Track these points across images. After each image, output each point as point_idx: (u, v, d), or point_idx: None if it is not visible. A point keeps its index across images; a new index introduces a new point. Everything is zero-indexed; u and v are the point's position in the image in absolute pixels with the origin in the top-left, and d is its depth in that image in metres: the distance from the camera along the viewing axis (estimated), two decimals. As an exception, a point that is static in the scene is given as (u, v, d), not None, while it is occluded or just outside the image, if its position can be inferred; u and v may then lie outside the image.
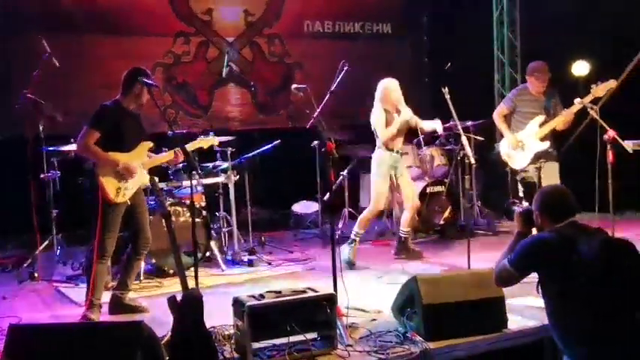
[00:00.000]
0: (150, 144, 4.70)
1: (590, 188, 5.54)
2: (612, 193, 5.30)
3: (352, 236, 5.97)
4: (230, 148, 6.15)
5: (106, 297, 4.64)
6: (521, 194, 6.08)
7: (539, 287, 3.13)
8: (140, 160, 4.60)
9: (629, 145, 5.66)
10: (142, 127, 4.69)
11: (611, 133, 5.29)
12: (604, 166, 5.34)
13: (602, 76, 5.95)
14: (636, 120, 6.26)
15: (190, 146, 4.97)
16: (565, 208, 3.12)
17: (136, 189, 4.58)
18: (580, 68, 7.37)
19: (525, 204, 3.46)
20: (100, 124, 4.41)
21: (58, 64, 5.98)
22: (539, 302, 4.36)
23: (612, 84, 5.67)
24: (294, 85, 4.93)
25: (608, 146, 5.22)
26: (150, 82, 4.40)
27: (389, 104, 5.90)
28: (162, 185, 5.76)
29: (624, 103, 6.19)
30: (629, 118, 6.22)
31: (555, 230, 3.07)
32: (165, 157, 4.80)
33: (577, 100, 5.76)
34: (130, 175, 4.48)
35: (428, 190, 7.18)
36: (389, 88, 5.94)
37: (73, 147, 5.71)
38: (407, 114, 5.88)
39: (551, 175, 6.08)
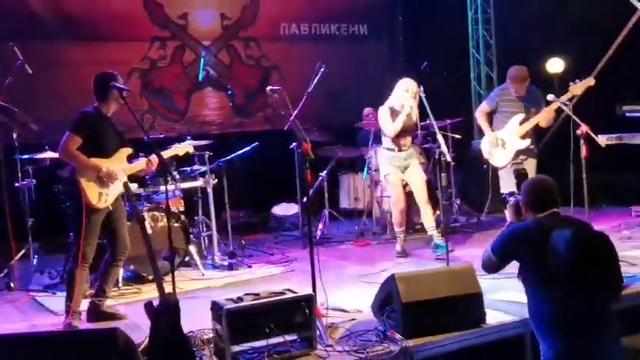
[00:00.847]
0: (129, 150, 4.69)
1: (565, 182, 5.60)
2: (587, 187, 5.35)
3: (397, 235, 6.21)
4: (208, 152, 6.12)
5: (84, 305, 4.59)
6: (514, 187, 6.14)
7: (519, 275, 3.22)
8: (121, 165, 4.59)
9: (603, 139, 5.77)
10: (120, 132, 4.67)
11: (584, 127, 5.36)
12: (578, 161, 5.40)
13: (575, 72, 6.04)
14: (609, 115, 6.34)
15: (165, 154, 4.94)
16: (546, 199, 3.21)
17: (117, 194, 4.56)
18: (554, 65, 7.48)
19: (518, 197, 3.61)
20: (82, 130, 4.40)
21: (30, 71, 5.91)
22: (518, 297, 4.43)
23: (590, 82, 5.77)
24: (268, 87, 4.91)
25: (582, 141, 5.28)
26: (121, 86, 4.38)
27: (396, 103, 5.98)
28: (140, 191, 5.73)
29: (597, 98, 6.26)
30: (602, 112, 6.31)
31: (535, 220, 3.17)
32: (141, 164, 4.77)
33: (550, 97, 5.85)
34: (112, 180, 4.47)
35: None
36: (397, 85, 6.05)
37: (47, 155, 5.66)
38: (409, 105, 5.88)
39: (530, 172, 6.21)
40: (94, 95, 4.56)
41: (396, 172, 6.10)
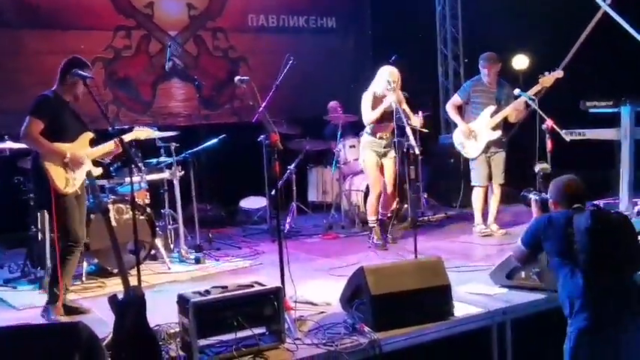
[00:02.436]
0: (91, 134, 4.60)
1: (530, 177, 5.68)
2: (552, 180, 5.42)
3: (370, 225, 6.26)
4: (174, 144, 6.02)
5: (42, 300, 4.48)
6: (486, 180, 6.41)
7: (548, 262, 3.46)
8: (85, 150, 4.51)
9: (567, 135, 5.87)
10: (80, 118, 4.57)
11: (549, 122, 5.44)
12: (544, 155, 5.47)
13: (540, 69, 6.15)
14: (574, 110, 6.45)
15: (126, 137, 4.85)
16: (574, 197, 3.40)
17: (83, 179, 4.47)
18: (520, 62, 7.58)
19: (542, 194, 3.82)
20: (42, 113, 4.29)
21: None
22: (485, 289, 4.49)
23: (559, 74, 5.93)
24: (237, 77, 4.84)
25: (547, 135, 5.36)
26: (84, 73, 4.26)
27: (379, 88, 5.99)
28: (104, 182, 5.61)
29: (562, 93, 6.37)
30: (567, 108, 6.41)
31: (558, 210, 3.42)
32: (107, 147, 4.66)
33: (516, 91, 5.99)
34: (78, 165, 4.40)
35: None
36: (380, 72, 6.05)
37: (7, 145, 5.49)
38: (389, 101, 5.86)
39: (498, 164, 6.36)
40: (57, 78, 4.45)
41: (375, 157, 6.15)
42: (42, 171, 4.29)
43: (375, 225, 6.23)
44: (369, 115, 6.03)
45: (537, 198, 3.87)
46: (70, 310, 4.45)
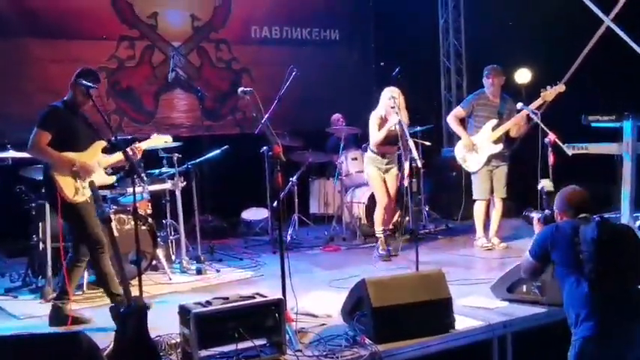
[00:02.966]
0: (103, 143, 4.63)
1: (533, 190, 5.68)
2: (555, 195, 5.42)
3: (377, 235, 6.34)
4: (176, 154, 6.03)
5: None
6: (487, 193, 6.45)
7: (554, 272, 3.50)
8: (96, 158, 4.54)
9: (569, 149, 5.88)
10: (93, 126, 4.61)
11: (551, 136, 5.45)
12: (546, 169, 5.47)
13: (542, 83, 6.17)
14: (576, 124, 6.46)
15: (145, 144, 4.93)
16: (582, 208, 3.43)
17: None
18: (522, 76, 7.60)
19: (545, 211, 3.88)
20: (49, 125, 4.33)
21: None
22: (486, 303, 4.48)
23: (561, 88, 5.96)
24: (240, 89, 4.86)
25: (550, 149, 5.36)
26: (88, 83, 4.28)
27: (383, 110, 6.10)
28: (106, 192, 5.62)
29: (564, 107, 6.38)
30: (569, 122, 6.42)
31: (564, 220, 3.44)
32: (118, 156, 4.67)
33: (519, 105, 6.00)
34: (88, 173, 4.44)
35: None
36: (383, 93, 6.14)
37: (10, 154, 5.50)
38: (393, 122, 5.89)
39: (500, 178, 6.36)
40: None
41: (378, 172, 6.27)
42: (51, 181, 4.32)
43: (382, 236, 6.28)
44: (375, 136, 6.14)
45: (540, 216, 3.91)
46: (71, 319, 4.43)
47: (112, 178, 4.87)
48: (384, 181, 6.28)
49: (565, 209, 3.48)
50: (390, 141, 6.08)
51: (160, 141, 5.23)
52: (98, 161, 4.56)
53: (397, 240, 6.63)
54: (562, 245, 3.30)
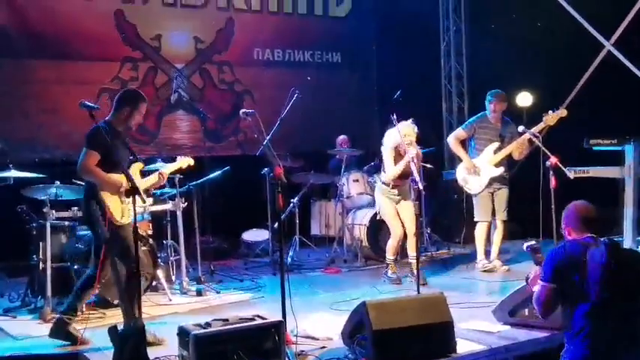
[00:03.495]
0: (141, 165, 4.68)
1: (534, 213, 5.68)
2: (555, 218, 5.41)
3: (387, 262, 6.24)
4: (178, 175, 6.03)
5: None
6: (489, 215, 6.44)
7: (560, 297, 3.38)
8: (137, 179, 4.52)
9: (571, 172, 5.88)
10: (131, 148, 4.62)
11: (553, 159, 5.45)
12: (547, 192, 5.46)
13: (543, 106, 6.19)
14: (578, 147, 6.47)
15: (172, 167, 5.03)
16: (588, 222, 3.39)
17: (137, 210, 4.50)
18: (524, 99, 7.64)
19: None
20: (96, 145, 4.32)
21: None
22: (488, 327, 4.44)
23: (563, 113, 5.99)
24: (242, 110, 4.88)
25: (551, 172, 5.36)
26: (90, 104, 4.29)
27: (397, 142, 5.96)
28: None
29: (566, 131, 6.39)
30: (571, 145, 6.43)
31: (570, 241, 3.37)
32: (152, 179, 4.77)
33: (521, 128, 6.03)
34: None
35: (378, 216, 7.21)
36: (400, 126, 5.88)
37: (11, 174, 5.52)
38: (411, 156, 5.79)
39: (501, 200, 6.36)
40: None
41: (391, 204, 6.13)
42: (94, 201, 4.31)
43: (392, 262, 6.20)
44: (392, 170, 6.00)
45: (528, 245, 3.81)
46: (71, 337, 4.40)
47: (150, 200, 4.91)
48: (397, 213, 6.15)
49: (574, 224, 3.41)
50: (404, 174, 5.99)
51: (184, 164, 5.24)
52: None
53: (400, 263, 6.57)
54: (570, 265, 3.26)
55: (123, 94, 4.59)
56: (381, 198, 6.24)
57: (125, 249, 4.33)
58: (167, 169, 5.08)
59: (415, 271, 5.56)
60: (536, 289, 3.43)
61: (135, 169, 4.58)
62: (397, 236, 6.14)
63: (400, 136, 5.83)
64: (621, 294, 3.19)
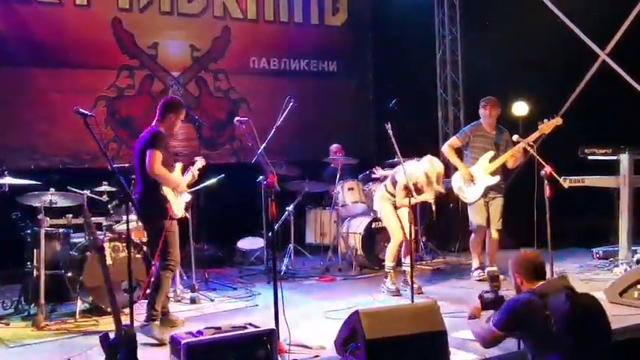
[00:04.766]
0: (181, 165, 5.14)
1: (528, 223, 5.68)
2: (550, 227, 5.41)
3: (386, 270, 6.11)
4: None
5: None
6: (484, 221, 6.42)
7: (520, 342, 3.49)
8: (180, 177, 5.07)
9: (565, 181, 5.90)
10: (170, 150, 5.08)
11: (547, 168, 5.45)
12: (542, 201, 5.47)
13: (539, 116, 6.21)
14: (572, 157, 6.49)
15: (196, 168, 5.35)
16: (539, 270, 3.45)
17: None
18: (519, 108, 7.66)
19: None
20: (160, 145, 4.74)
21: None
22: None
23: (558, 121, 6.00)
24: (236, 118, 4.91)
25: (546, 181, 5.36)
26: (85, 112, 4.29)
27: (413, 178, 5.82)
28: (101, 220, 5.61)
29: (560, 140, 6.42)
30: (565, 154, 6.45)
31: (531, 291, 3.37)
32: (188, 178, 5.20)
33: (515, 137, 6.04)
34: (183, 192, 5.03)
35: (373, 225, 7.23)
36: (422, 162, 5.90)
37: (7, 180, 5.51)
38: (429, 199, 5.85)
39: (496, 209, 6.37)
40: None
41: (391, 206, 6.06)
42: (161, 199, 4.71)
43: (391, 271, 6.08)
44: (399, 199, 5.90)
45: (486, 299, 3.84)
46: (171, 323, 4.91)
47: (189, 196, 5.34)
48: (398, 217, 6.07)
49: (527, 274, 3.45)
50: (407, 195, 5.83)
51: (201, 163, 5.46)
52: None
53: (395, 271, 6.56)
54: (532, 318, 3.25)
55: (168, 103, 5.00)
56: (381, 203, 6.15)
57: (171, 244, 4.81)
58: (195, 170, 5.39)
59: (409, 281, 5.56)
60: (478, 326, 3.59)
61: (179, 168, 5.10)
62: (397, 240, 6.06)
63: (410, 182, 5.68)
64: (590, 338, 3.18)
